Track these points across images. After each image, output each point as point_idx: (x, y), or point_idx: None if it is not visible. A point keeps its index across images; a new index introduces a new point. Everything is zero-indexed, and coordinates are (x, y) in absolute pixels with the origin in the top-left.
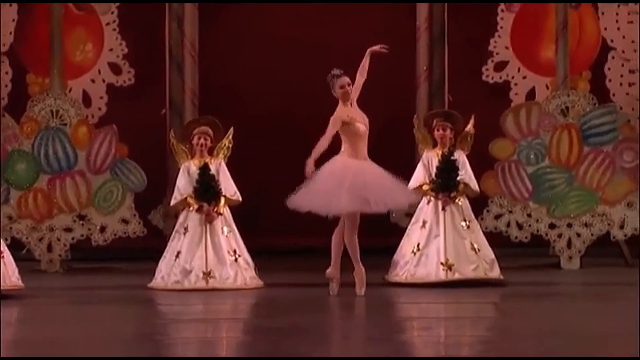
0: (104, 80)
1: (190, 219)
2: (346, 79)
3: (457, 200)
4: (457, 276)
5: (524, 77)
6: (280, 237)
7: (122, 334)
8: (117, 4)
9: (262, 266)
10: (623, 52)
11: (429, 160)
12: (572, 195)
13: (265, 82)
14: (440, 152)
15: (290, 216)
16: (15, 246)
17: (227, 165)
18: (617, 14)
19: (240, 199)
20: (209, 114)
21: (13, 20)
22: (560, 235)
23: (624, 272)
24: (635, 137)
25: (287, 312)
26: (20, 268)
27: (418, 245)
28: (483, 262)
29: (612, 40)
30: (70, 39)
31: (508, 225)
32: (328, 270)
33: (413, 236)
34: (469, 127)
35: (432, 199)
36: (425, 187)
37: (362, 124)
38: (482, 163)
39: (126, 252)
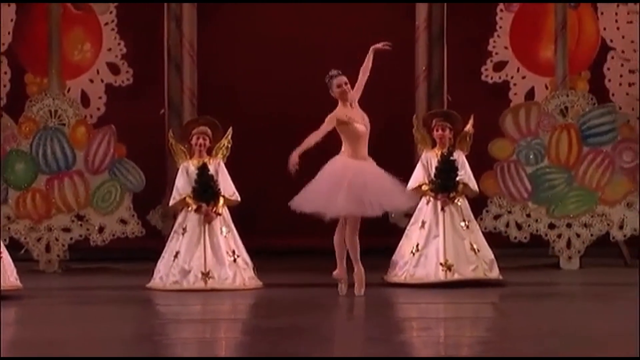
0: (102, 80)
1: (189, 219)
2: (343, 78)
3: (456, 201)
4: (456, 276)
5: (523, 77)
6: (279, 237)
7: (120, 335)
8: (116, 3)
9: (261, 266)
10: (622, 52)
11: (428, 160)
12: (572, 196)
13: (264, 82)
14: (439, 152)
15: (289, 216)
16: (14, 246)
17: (226, 165)
18: (616, 13)
19: (239, 199)
20: (207, 114)
21: (11, 20)
22: (559, 236)
23: (623, 272)
24: (635, 138)
25: (286, 312)
26: (19, 268)
27: (417, 245)
28: (482, 263)
29: (611, 40)
30: (68, 39)
31: (507, 225)
32: (335, 272)
33: (412, 236)
34: (468, 127)
35: (432, 199)
36: (424, 188)
37: (361, 125)
38: (481, 163)
39: (125, 252)
